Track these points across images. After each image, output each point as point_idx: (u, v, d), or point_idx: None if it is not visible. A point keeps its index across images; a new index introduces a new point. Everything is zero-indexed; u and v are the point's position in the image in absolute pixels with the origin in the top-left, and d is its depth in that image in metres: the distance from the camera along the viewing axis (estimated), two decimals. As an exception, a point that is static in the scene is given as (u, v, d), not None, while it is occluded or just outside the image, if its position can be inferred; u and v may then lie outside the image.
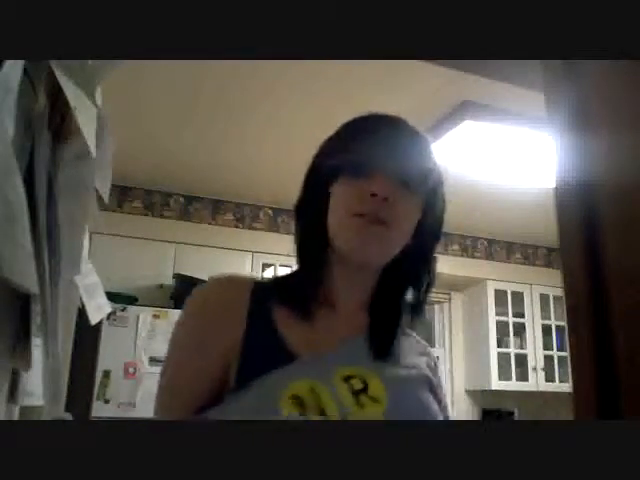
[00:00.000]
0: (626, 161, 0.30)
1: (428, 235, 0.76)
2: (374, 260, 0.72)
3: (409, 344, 0.77)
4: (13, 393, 0.84)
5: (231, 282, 0.74)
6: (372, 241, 0.69)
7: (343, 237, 0.71)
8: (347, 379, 0.65)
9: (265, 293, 0.72)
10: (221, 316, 0.68)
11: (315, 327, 0.71)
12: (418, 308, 0.77)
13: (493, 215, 3.70)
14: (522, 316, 4.23)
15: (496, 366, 4.03)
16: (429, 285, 0.78)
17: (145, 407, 2.83)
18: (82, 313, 1.13)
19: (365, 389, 0.65)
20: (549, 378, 4.10)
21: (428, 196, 0.74)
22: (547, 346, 4.22)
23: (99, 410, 2.77)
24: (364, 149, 0.72)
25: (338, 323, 0.73)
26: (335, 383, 0.64)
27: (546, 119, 0.35)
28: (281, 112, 2.67)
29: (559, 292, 4.19)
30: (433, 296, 4.46)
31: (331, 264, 0.74)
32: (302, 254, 0.76)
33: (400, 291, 0.77)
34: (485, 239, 4.36)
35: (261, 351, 0.66)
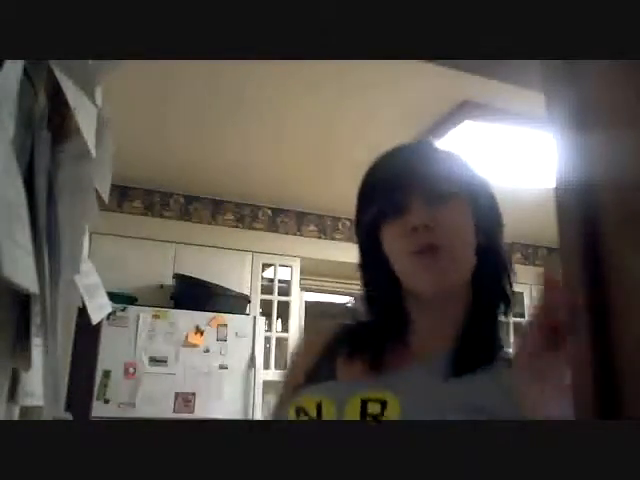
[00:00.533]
0: (626, 161, 0.30)
1: (490, 232, 0.76)
2: (438, 287, 0.71)
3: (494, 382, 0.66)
4: (13, 393, 0.84)
5: (319, 326, 0.87)
6: (428, 270, 0.70)
7: (405, 277, 0.73)
8: (366, 401, 0.65)
9: (345, 335, 0.79)
10: (306, 351, 0.81)
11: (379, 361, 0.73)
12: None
13: (493, 215, 3.70)
14: (522, 316, 4.23)
15: (496, 366, 4.02)
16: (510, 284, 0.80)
17: (145, 407, 2.83)
18: (82, 313, 1.13)
19: (382, 413, 0.64)
20: (549, 378, 4.10)
21: (472, 198, 0.74)
22: (547, 346, 4.22)
23: (99, 410, 2.77)
24: (389, 188, 0.74)
25: (407, 357, 0.73)
26: (349, 402, 0.65)
27: (546, 119, 0.35)
28: (281, 112, 2.67)
29: (559, 292, 4.18)
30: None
31: (409, 306, 0.76)
32: (378, 306, 0.78)
33: (489, 307, 0.77)
34: (485, 239, 4.35)
35: (315, 377, 0.74)
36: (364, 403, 0.65)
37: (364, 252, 0.80)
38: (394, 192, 0.73)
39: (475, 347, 0.71)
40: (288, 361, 0.85)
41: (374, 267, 0.78)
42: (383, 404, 0.64)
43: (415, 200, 0.72)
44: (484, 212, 0.75)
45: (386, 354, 0.73)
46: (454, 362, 0.68)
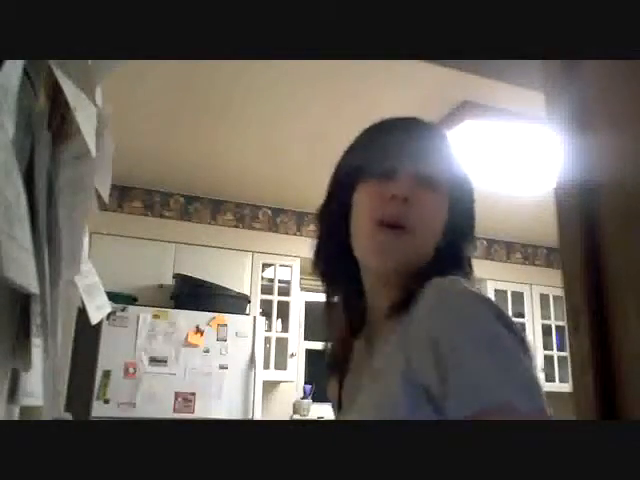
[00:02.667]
0: (626, 161, 0.30)
1: (458, 235, 0.72)
2: (391, 266, 0.68)
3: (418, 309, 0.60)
4: (13, 393, 0.84)
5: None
6: (388, 247, 0.67)
7: (360, 245, 0.70)
8: None
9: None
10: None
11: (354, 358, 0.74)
12: None
13: (493, 215, 3.70)
14: (522, 316, 4.23)
15: (496, 366, 4.02)
16: None
17: (145, 407, 2.83)
18: (82, 313, 1.13)
19: None
20: (549, 378, 4.10)
21: (453, 194, 0.71)
22: (547, 346, 4.22)
23: (99, 410, 2.77)
24: (382, 150, 0.71)
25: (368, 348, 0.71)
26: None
27: (546, 119, 0.35)
28: (282, 113, 2.67)
29: (559, 292, 4.19)
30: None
31: (363, 277, 0.73)
32: (324, 268, 0.77)
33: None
34: (485, 239, 4.36)
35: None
36: None
37: (330, 200, 0.76)
38: (390, 152, 0.70)
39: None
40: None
41: (334, 223, 0.74)
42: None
43: (404, 172, 0.69)
44: (458, 212, 0.72)
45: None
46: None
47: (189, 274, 3.30)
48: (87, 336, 2.37)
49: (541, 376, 4.10)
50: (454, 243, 0.71)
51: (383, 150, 0.71)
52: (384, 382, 0.59)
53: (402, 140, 0.71)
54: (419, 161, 0.70)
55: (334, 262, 0.75)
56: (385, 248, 0.67)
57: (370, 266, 0.70)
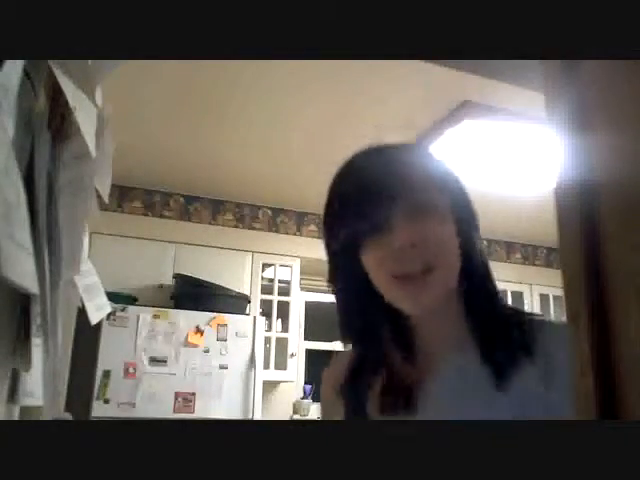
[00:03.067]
0: (626, 161, 0.30)
1: (469, 238, 0.71)
2: (429, 308, 0.67)
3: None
4: (13, 393, 0.84)
5: (334, 365, 0.82)
6: (422, 294, 0.65)
7: (394, 299, 0.68)
8: None
9: (359, 371, 0.75)
10: (329, 395, 0.79)
11: (396, 387, 0.71)
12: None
13: (493, 215, 3.71)
14: (522, 316, 4.22)
15: (496, 366, 4.02)
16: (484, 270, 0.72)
17: (145, 407, 2.83)
18: (82, 313, 1.13)
19: None
20: (549, 378, 4.10)
21: (451, 202, 0.70)
22: (547, 346, 4.22)
23: (99, 410, 2.77)
24: (365, 203, 0.66)
25: (423, 371, 0.70)
26: None
27: (546, 119, 0.35)
28: (282, 112, 2.67)
29: (559, 292, 4.19)
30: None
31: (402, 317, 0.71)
32: (362, 333, 0.74)
33: (481, 305, 0.70)
34: (485, 239, 4.35)
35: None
36: None
37: (340, 271, 0.73)
38: (373, 207, 0.66)
39: (495, 344, 0.66)
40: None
41: (355, 287, 0.71)
42: None
43: (397, 215, 0.65)
44: (462, 214, 0.71)
45: (405, 378, 0.70)
46: (496, 370, 0.64)
47: (189, 274, 3.30)
48: (87, 336, 2.37)
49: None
50: (468, 243, 0.70)
51: (366, 203, 0.66)
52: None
53: (381, 183, 0.67)
54: (403, 194, 0.66)
55: (370, 320, 0.73)
56: (414, 297, 0.66)
57: (415, 313, 0.69)
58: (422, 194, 0.67)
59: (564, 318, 0.33)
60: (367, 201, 0.66)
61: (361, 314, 0.73)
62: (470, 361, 0.67)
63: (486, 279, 0.72)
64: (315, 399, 3.77)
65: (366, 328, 0.74)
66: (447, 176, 0.72)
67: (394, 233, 0.65)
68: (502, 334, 0.67)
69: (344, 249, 0.70)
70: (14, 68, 0.65)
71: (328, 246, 0.74)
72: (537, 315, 0.72)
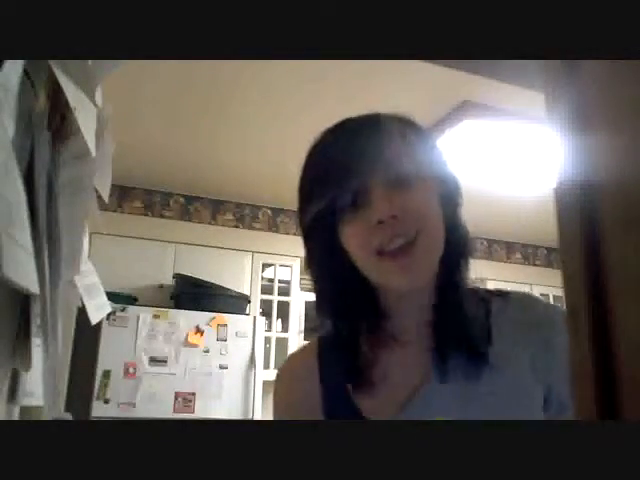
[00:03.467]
0: (626, 161, 0.30)
1: (457, 217, 0.69)
2: (413, 285, 0.64)
3: (507, 334, 0.65)
4: (13, 393, 0.84)
5: (296, 358, 0.79)
6: (402, 271, 0.62)
7: (376, 276, 0.65)
8: None
9: (332, 352, 0.72)
10: (297, 392, 0.73)
11: (384, 378, 0.67)
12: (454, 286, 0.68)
13: (493, 215, 3.71)
14: (522, 316, 4.22)
15: (496, 366, 4.02)
16: (465, 252, 0.69)
17: (145, 407, 2.83)
18: (82, 313, 1.13)
19: None
20: (549, 378, 4.10)
21: (436, 173, 0.67)
22: (547, 346, 4.22)
23: (99, 410, 2.77)
24: (340, 176, 0.62)
25: (408, 363, 0.67)
26: None
27: (546, 119, 0.35)
28: (281, 112, 2.67)
29: (559, 292, 4.19)
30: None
31: (381, 302, 0.69)
32: (341, 308, 0.69)
33: (457, 285, 0.68)
34: (485, 239, 4.36)
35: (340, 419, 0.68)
36: None
37: (316, 248, 0.71)
38: (349, 179, 0.62)
39: (465, 337, 0.66)
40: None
41: (331, 264, 0.68)
42: None
43: (375, 187, 0.61)
44: (446, 186, 0.67)
45: (379, 362, 0.67)
46: (471, 363, 0.64)
47: (189, 274, 3.30)
48: (87, 336, 2.37)
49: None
50: (452, 221, 0.68)
51: (342, 174, 0.62)
52: (515, 382, 0.63)
53: (357, 153, 0.63)
54: (385, 167, 0.62)
55: (350, 296, 0.69)
56: (404, 271, 0.62)
57: (398, 290, 0.66)
58: (402, 164, 0.63)
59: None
60: (343, 173, 0.62)
61: (340, 292, 0.69)
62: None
63: (464, 256, 0.69)
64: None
65: (345, 303, 0.69)
66: (431, 149, 0.69)
67: (373, 206, 0.61)
68: (458, 326, 0.65)
69: (319, 226, 0.66)
70: (14, 68, 0.65)
71: (302, 225, 0.70)
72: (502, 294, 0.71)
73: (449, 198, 0.68)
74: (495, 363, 0.63)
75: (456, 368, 0.64)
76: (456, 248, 0.68)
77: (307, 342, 0.79)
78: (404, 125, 0.69)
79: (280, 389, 0.76)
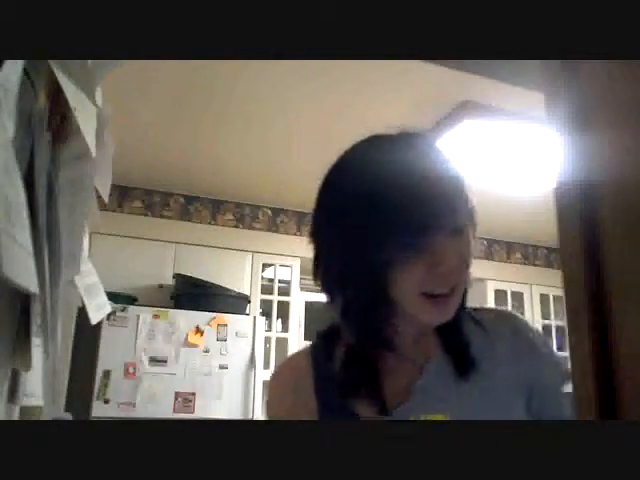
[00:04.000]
0: (626, 161, 0.30)
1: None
2: (445, 320, 0.66)
3: (493, 343, 0.72)
4: (13, 393, 0.84)
5: (288, 367, 0.80)
6: (445, 310, 0.65)
7: (417, 312, 0.65)
8: None
9: (326, 359, 0.73)
10: (292, 401, 0.74)
11: (385, 384, 0.69)
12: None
13: (493, 215, 3.70)
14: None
15: (496, 366, 4.02)
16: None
17: (145, 407, 2.83)
18: (82, 313, 1.13)
19: None
20: (549, 378, 4.09)
21: (471, 214, 0.68)
22: (547, 346, 4.22)
23: (99, 410, 2.77)
24: (409, 222, 0.59)
25: (402, 374, 0.70)
26: None
27: (546, 119, 0.35)
28: (282, 113, 2.67)
29: (559, 292, 4.19)
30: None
31: (395, 317, 0.69)
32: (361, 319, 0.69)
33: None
34: (485, 239, 4.36)
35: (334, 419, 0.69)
36: None
37: (343, 274, 0.67)
38: (418, 230, 0.59)
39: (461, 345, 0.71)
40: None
41: (361, 281, 0.66)
42: None
43: (440, 235, 0.61)
44: (474, 226, 0.70)
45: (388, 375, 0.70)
46: (460, 367, 0.69)
47: (189, 274, 3.30)
48: (87, 336, 2.37)
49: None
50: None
51: (409, 220, 0.59)
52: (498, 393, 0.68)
53: (423, 200, 0.60)
54: (451, 217, 0.62)
55: (377, 315, 0.69)
56: (442, 313, 0.65)
57: (425, 322, 0.68)
58: (460, 213, 0.63)
59: (564, 318, 0.33)
60: (408, 220, 0.59)
61: (370, 304, 0.68)
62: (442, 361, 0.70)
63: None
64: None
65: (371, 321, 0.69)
66: (468, 188, 0.67)
67: (439, 255, 0.60)
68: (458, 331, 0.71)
69: (368, 261, 0.63)
70: (14, 68, 0.65)
71: (334, 247, 0.66)
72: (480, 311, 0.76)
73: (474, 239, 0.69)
74: (482, 380, 0.69)
75: (446, 379, 0.69)
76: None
77: (296, 352, 0.80)
78: (453, 164, 0.66)
79: (272, 402, 0.79)
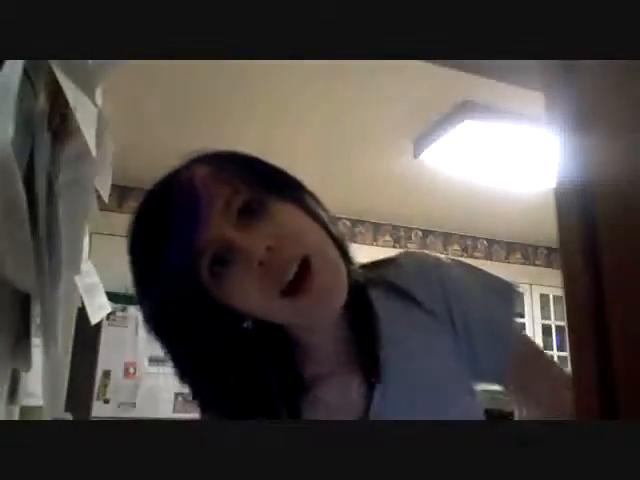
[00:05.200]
0: (626, 161, 0.30)
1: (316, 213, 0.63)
2: (338, 297, 0.58)
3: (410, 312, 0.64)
4: (13, 393, 0.84)
5: None
6: (315, 304, 0.56)
7: (293, 315, 0.57)
8: None
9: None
10: None
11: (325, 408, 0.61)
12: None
13: (493, 215, 3.70)
14: (522, 316, 4.23)
15: (496, 366, 4.02)
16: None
17: (145, 407, 2.83)
18: (82, 313, 1.13)
19: None
20: (549, 378, 4.10)
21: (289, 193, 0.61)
22: (547, 346, 4.22)
23: (99, 410, 2.77)
24: (185, 232, 0.55)
25: (340, 389, 0.62)
26: None
27: (546, 119, 0.35)
28: (282, 113, 2.67)
29: (559, 292, 4.19)
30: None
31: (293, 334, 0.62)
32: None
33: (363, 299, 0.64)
34: (485, 239, 4.36)
35: None
36: None
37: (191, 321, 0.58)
38: (192, 233, 0.54)
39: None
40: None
41: (216, 325, 0.58)
42: None
43: (228, 232, 0.54)
44: (313, 204, 0.62)
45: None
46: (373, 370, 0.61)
47: (189, 274, 3.29)
48: (87, 336, 2.37)
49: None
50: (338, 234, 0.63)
51: (187, 223, 0.55)
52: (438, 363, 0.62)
53: (193, 199, 0.56)
54: (226, 209, 0.56)
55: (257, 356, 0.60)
56: (313, 306, 0.56)
57: (309, 326, 0.61)
58: (243, 194, 0.57)
59: (564, 318, 0.33)
60: (187, 221, 0.55)
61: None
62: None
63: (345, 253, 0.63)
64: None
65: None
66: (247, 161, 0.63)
67: (240, 251, 0.54)
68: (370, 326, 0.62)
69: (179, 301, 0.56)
70: (14, 68, 0.65)
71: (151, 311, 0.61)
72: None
73: (314, 207, 0.62)
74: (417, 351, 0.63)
75: (388, 372, 0.61)
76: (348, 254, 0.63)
77: None
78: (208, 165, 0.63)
79: None
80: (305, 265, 0.54)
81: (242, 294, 0.55)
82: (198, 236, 0.55)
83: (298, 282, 0.54)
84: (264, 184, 0.61)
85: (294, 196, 0.61)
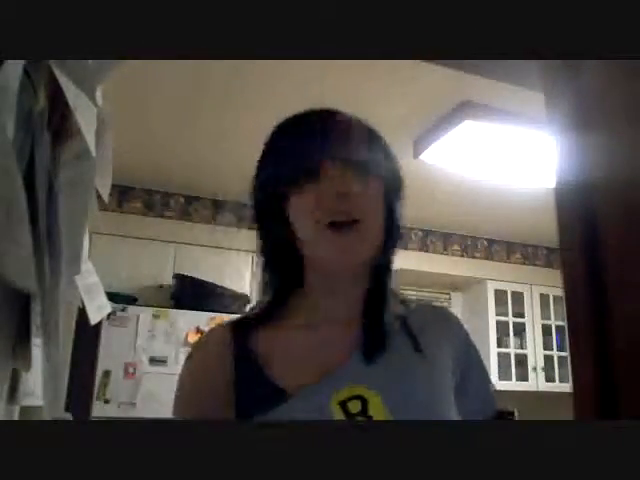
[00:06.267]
0: (626, 161, 0.30)
1: (395, 219, 0.72)
2: (351, 267, 0.68)
3: (434, 329, 0.73)
4: (13, 393, 0.84)
5: (210, 336, 0.75)
6: (351, 245, 0.65)
7: (318, 249, 0.67)
8: (343, 403, 0.62)
9: (246, 330, 0.71)
10: (210, 370, 0.70)
11: (303, 353, 0.68)
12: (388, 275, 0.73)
13: (493, 215, 3.70)
14: (522, 316, 4.23)
15: (496, 366, 4.03)
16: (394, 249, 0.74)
17: (145, 407, 2.83)
18: (82, 313, 1.13)
19: (364, 410, 0.61)
20: (549, 378, 4.10)
21: (386, 177, 0.70)
22: (547, 346, 4.22)
23: (99, 410, 2.77)
24: (302, 149, 0.67)
25: (329, 340, 0.69)
26: (331, 411, 0.61)
27: (546, 119, 0.35)
28: (282, 113, 2.67)
29: (559, 292, 4.19)
30: (433, 296, 4.47)
31: (309, 282, 0.72)
32: (272, 279, 0.73)
33: (384, 286, 0.72)
34: (485, 239, 4.35)
35: (253, 395, 0.65)
36: (343, 405, 0.61)
37: (262, 218, 0.73)
38: (308, 154, 0.66)
39: (381, 328, 0.69)
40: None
41: (273, 237, 0.72)
42: (363, 401, 0.62)
43: (332, 164, 0.65)
44: (391, 181, 0.71)
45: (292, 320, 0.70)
46: (371, 348, 0.67)
47: (189, 274, 3.30)
48: (87, 336, 2.37)
49: (541, 376, 4.11)
50: (392, 227, 0.71)
51: (303, 148, 0.67)
52: (422, 393, 0.66)
53: (319, 132, 0.68)
54: (339, 149, 0.66)
55: (278, 267, 0.73)
56: (348, 246, 0.65)
57: (334, 267, 0.69)
58: (357, 151, 0.67)
59: (564, 318, 0.33)
60: (301, 148, 0.67)
61: (282, 269, 0.72)
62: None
63: (396, 247, 0.73)
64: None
65: (274, 273, 0.73)
66: (385, 148, 0.74)
67: (327, 179, 0.64)
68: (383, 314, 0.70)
69: (270, 195, 0.69)
70: (14, 68, 0.65)
71: (258, 197, 0.73)
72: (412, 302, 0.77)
73: (393, 193, 0.72)
74: (423, 349, 0.69)
75: (383, 348, 0.67)
76: (393, 239, 0.72)
77: (217, 325, 0.77)
78: (359, 122, 0.74)
79: (190, 363, 0.74)
80: (356, 222, 0.64)
81: (300, 208, 0.67)
82: (309, 154, 0.66)
83: (344, 223, 0.64)
84: (375, 157, 0.70)
85: (391, 185, 0.71)
